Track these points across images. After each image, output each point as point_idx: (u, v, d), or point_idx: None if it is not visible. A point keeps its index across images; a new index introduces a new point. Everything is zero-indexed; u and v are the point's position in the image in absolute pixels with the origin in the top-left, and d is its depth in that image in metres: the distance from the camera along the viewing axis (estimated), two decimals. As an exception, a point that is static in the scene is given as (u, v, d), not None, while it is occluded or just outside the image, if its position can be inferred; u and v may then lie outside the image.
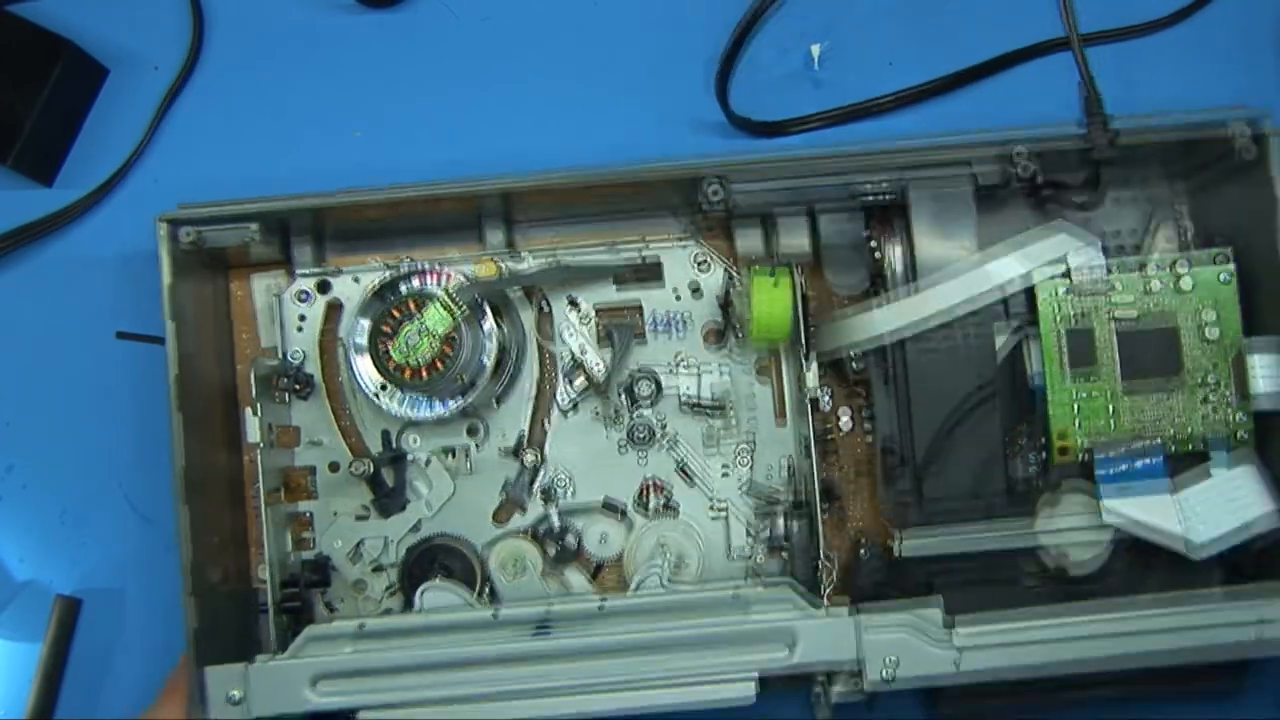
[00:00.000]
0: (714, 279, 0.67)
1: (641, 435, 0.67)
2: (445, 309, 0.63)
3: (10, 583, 0.70)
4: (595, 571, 0.67)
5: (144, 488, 0.69)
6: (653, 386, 0.66)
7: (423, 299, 0.63)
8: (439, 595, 0.63)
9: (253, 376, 0.63)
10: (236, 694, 0.60)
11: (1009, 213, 0.64)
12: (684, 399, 0.67)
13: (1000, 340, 0.63)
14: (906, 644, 0.59)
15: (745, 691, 0.60)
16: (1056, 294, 0.62)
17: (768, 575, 0.65)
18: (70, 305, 0.70)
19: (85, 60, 0.71)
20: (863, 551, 0.65)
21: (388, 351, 0.63)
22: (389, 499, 0.66)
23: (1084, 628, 0.59)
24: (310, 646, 0.61)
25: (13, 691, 0.69)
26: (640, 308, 0.67)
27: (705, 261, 0.67)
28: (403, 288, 0.64)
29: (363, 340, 0.64)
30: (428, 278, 0.64)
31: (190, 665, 0.60)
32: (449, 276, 0.64)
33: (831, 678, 0.60)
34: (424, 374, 0.63)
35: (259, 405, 0.63)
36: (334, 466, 0.67)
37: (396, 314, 0.63)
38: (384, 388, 0.64)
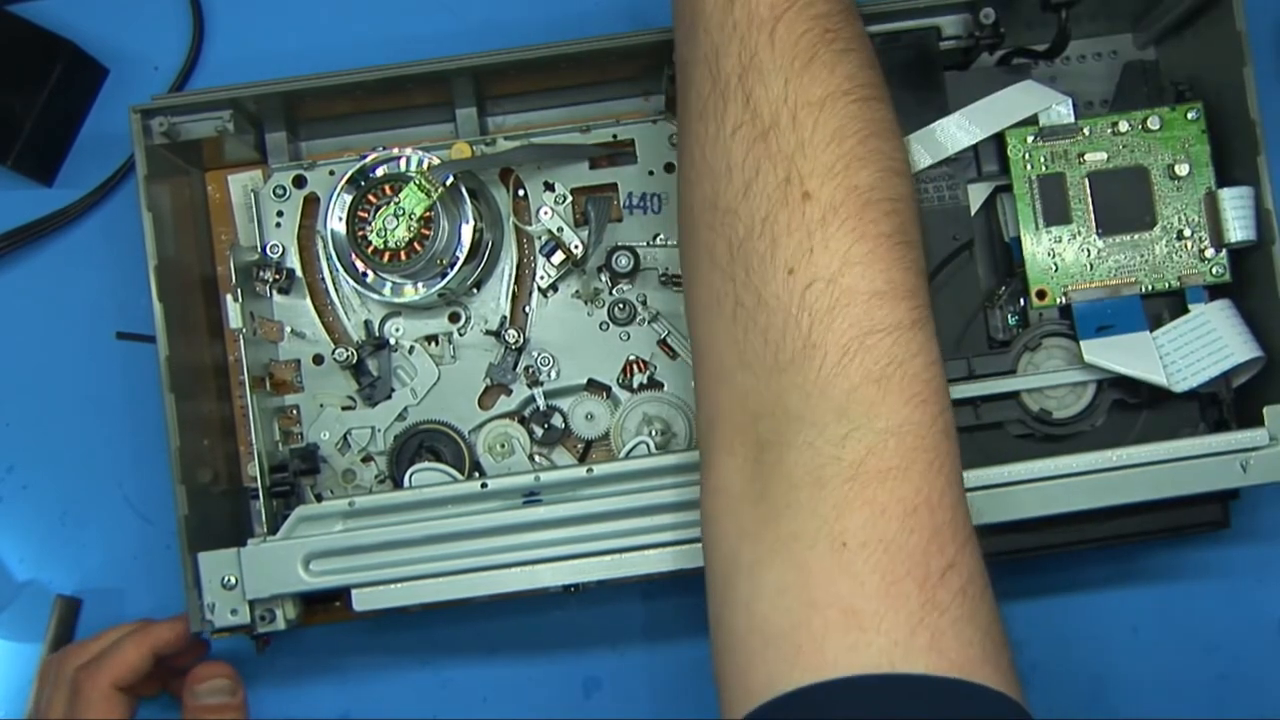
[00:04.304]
0: (688, 156, 0.67)
1: (622, 313, 0.67)
2: (421, 190, 0.63)
3: (10, 583, 0.70)
4: (584, 452, 0.67)
5: (144, 488, 0.69)
6: (631, 259, 0.66)
7: (398, 182, 0.63)
8: (428, 477, 0.63)
9: (232, 264, 0.63)
10: (230, 578, 0.60)
11: (979, 84, 0.64)
12: (663, 274, 0.67)
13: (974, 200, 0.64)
14: (895, 494, 0.60)
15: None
16: (1026, 142, 0.62)
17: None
18: (70, 305, 0.70)
19: (85, 60, 0.70)
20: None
21: (366, 236, 0.63)
22: (374, 387, 0.66)
23: (1073, 465, 0.59)
24: (301, 527, 0.61)
25: (13, 691, 0.69)
26: (616, 186, 0.67)
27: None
28: (378, 172, 0.64)
29: (340, 227, 0.64)
30: (402, 162, 0.64)
31: (184, 554, 0.61)
32: (424, 161, 0.64)
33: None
34: (402, 256, 0.63)
35: (240, 292, 0.63)
36: (318, 359, 0.67)
37: (373, 199, 0.64)
38: (364, 274, 0.64)
